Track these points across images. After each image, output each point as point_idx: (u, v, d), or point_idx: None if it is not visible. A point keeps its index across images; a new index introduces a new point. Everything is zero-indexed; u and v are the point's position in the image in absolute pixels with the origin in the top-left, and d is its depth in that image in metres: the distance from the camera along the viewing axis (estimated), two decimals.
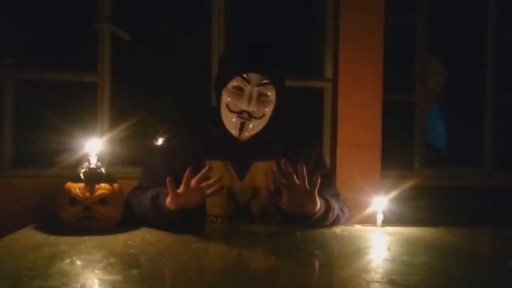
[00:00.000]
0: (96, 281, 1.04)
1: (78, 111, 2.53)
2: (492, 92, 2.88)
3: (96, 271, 1.10)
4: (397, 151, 2.72)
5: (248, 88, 1.60)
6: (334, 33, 2.60)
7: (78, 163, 1.60)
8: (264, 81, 1.60)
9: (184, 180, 1.50)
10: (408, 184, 2.46)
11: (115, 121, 2.53)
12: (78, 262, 1.17)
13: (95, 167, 1.53)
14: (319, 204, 1.58)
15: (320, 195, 1.62)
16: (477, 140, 2.89)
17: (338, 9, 2.56)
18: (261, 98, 1.61)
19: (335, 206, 1.66)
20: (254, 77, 1.59)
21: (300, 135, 1.78)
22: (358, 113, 2.52)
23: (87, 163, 1.54)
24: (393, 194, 1.78)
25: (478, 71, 2.89)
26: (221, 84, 1.66)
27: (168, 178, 1.49)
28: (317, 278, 1.13)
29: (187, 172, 1.50)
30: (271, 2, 2.79)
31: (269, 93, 1.62)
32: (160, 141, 1.94)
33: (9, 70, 2.53)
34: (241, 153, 1.70)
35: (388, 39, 2.55)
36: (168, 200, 1.52)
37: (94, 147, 1.56)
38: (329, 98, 2.62)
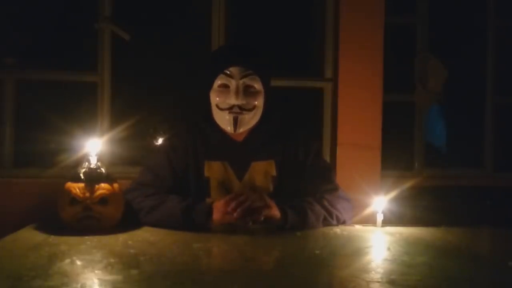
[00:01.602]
0: (96, 281, 1.04)
1: (78, 111, 2.53)
2: (492, 92, 2.87)
3: (96, 271, 1.10)
4: (397, 151, 2.72)
5: (233, 83, 1.61)
6: (334, 33, 2.60)
7: (78, 163, 1.60)
8: (246, 73, 1.62)
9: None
10: (408, 184, 2.46)
11: (115, 121, 2.53)
12: (78, 262, 1.17)
13: (95, 167, 1.53)
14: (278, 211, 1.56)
15: (298, 200, 1.63)
16: (477, 140, 2.89)
17: (338, 9, 2.55)
18: (248, 90, 1.63)
19: (314, 206, 1.62)
20: (236, 70, 1.61)
21: (299, 134, 1.78)
22: (358, 113, 2.52)
23: (87, 163, 1.54)
24: (393, 194, 1.79)
25: (478, 71, 2.88)
26: (207, 87, 1.67)
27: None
28: (317, 278, 1.13)
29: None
30: (271, 2, 2.79)
31: (255, 84, 1.64)
32: (160, 141, 1.95)
33: (9, 70, 2.53)
34: (240, 154, 1.70)
35: (388, 39, 2.55)
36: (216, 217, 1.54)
37: (94, 147, 1.56)
38: (329, 98, 2.62)
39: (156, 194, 1.64)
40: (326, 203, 1.65)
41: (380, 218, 1.66)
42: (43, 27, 2.61)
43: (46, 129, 2.44)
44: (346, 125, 2.53)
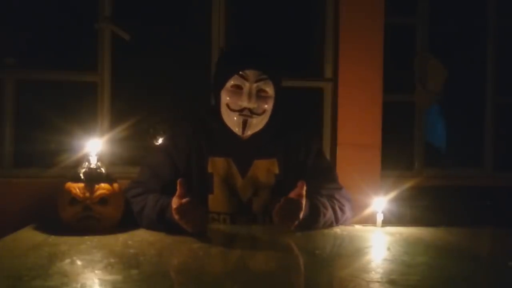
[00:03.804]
0: (96, 281, 1.04)
1: (78, 111, 2.53)
2: (492, 92, 2.88)
3: (96, 271, 1.10)
4: (397, 151, 2.72)
5: (246, 85, 1.61)
6: (334, 33, 2.60)
7: (78, 163, 1.60)
8: (261, 77, 1.62)
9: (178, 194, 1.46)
10: (408, 184, 2.46)
11: (115, 121, 2.53)
12: (78, 262, 1.17)
13: (95, 167, 1.53)
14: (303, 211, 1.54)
15: (315, 198, 1.62)
16: (477, 140, 2.89)
17: (338, 9, 2.56)
18: (260, 94, 1.63)
19: (327, 210, 1.62)
20: (251, 73, 1.61)
21: (300, 134, 1.78)
22: (358, 113, 2.52)
23: (87, 163, 1.54)
24: (393, 194, 1.79)
25: (478, 71, 2.88)
26: (219, 85, 1.67)
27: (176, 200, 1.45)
28: (317, 278, 1.13)
29: (178, 187, 1.46)
30: (271, 2, 2.79)
31: (267, 89, 1.64)
32: (160, 141, 1.95)
33: (9, 70, 2.53)
34: (243, 151, 1.70)
35: (388, 39, 2.55)
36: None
37: (94, 147, 1.56)
38: (329, 98, 2.62)
39: (140, 195, 1.62)
40: (337, 208, 1.66)
41: (380, 218, 1.66)
42: (43, 27, 2.61)
43: (46, 129, 2.44)
44: (346, 125, 2.53)
